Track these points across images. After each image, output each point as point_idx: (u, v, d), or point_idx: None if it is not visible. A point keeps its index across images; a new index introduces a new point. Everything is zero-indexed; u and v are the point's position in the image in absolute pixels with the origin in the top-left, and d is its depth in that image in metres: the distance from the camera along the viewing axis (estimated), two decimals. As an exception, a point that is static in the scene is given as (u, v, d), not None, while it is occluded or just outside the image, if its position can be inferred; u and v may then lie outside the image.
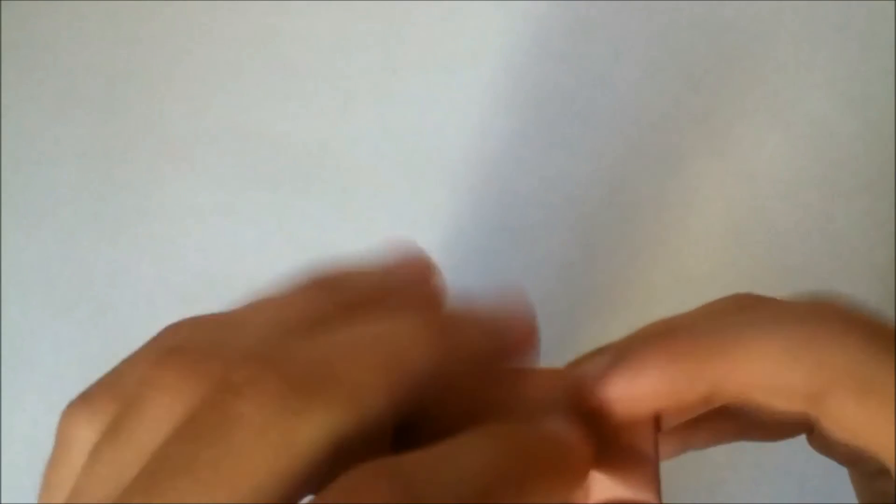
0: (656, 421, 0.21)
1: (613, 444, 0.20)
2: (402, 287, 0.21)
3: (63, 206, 0.41)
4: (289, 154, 0.41)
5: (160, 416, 0.16)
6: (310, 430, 0.15)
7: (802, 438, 0.23)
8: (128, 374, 0.18)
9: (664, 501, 0.21)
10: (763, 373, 0.18)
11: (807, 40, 0.40)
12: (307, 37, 0.42)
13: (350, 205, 0.40)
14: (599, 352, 0.21)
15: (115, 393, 0.18)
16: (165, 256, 0.40)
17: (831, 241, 0.37)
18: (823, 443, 0.22)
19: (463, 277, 0.38)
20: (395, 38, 0.41)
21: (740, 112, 0.39)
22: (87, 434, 0.18)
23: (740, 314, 0.20)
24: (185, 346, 0.18)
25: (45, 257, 0.40)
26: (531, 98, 0.40)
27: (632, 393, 0.19)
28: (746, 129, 0.39)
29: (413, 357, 0.17)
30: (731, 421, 0.23)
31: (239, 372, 0.16)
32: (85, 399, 0.18)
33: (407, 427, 0.18)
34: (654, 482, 0.20)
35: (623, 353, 0.20)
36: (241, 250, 0.39)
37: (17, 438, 0.38)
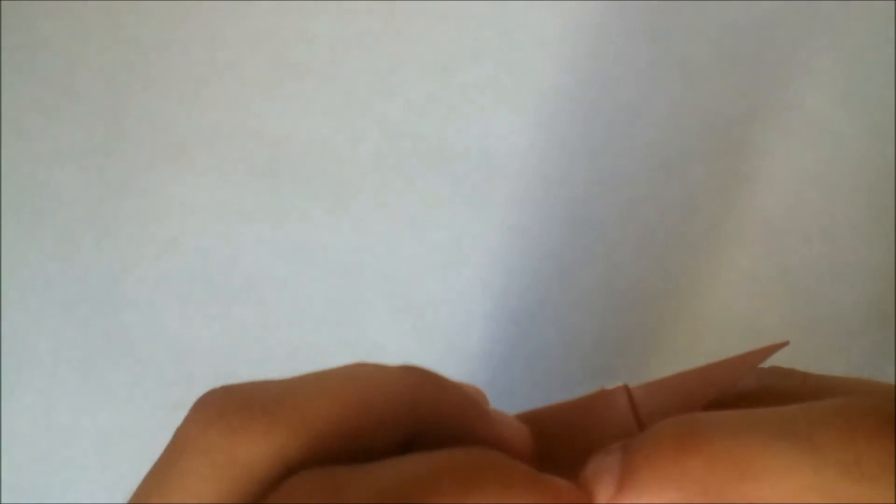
0: None
1: None
2: None
3: (63, 206, 0.41)
4: (289, 154, 0.41)
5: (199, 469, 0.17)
6: (251, 451, 0.15)
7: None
8: None
9: None
10: (789, 492, 0.16)
11: (807, 40, 0.40)
12: (307, 37, 0.42)
13: (350, 205, 0.40)
14: (607, 452, 0.19)
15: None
16: (165, 256, 0.40)
17: (831, 241, 0.37)
18: None
19: (463, 278, 0.38)
20: (395, 38, 0.41)
21: (740, 112, 0.39)
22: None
23: (770, 423, 0.17)
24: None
25: (45, 257, 0.40)
26: (531, 98, 0.40)
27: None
28: (746, 129, 0.39)
29: (377, 391, 0.17)
30: None
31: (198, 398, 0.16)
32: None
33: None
34: None
35: (634, 463, 0.18)
36: (241, 250, 0.39)
37: (17, 438, 0.38)
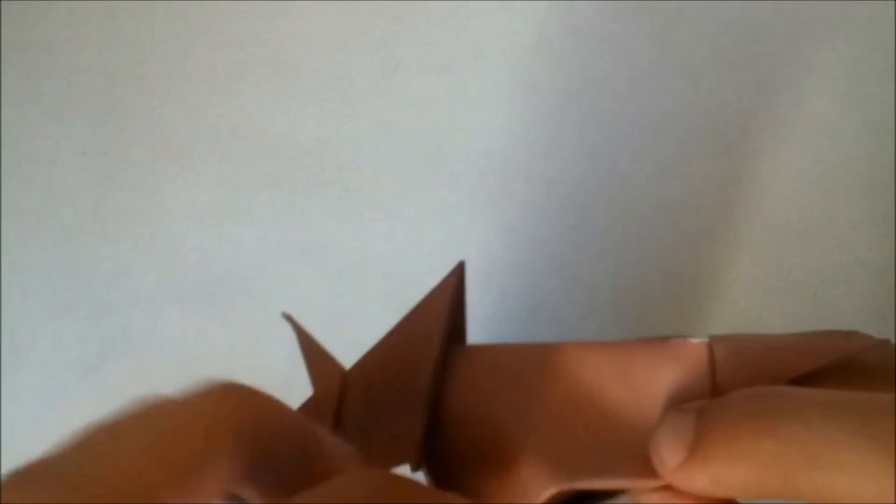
0: None
1: None
2: None
3: (63, 206, 0.41)
4: (289, 154, 0.40)
5: None
6: None
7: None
8: None
9: None
10: (862, 493, 0.16)
11: (807, 40, 0.40)
12: (307, 37, 0.42)
13: (350, 205, 0.40)
14: (681, 412, 0.19)
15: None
16: (165, 256, 0.40)
17: (831, 241, 0.37)
18: None
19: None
20: (395, 38, 0.41)
21: (740, 112, 0.39)
22: None
23: (853, 414, 0.16)
24: None
25: (45, 257, 0.40)
26: (531, 98, 0.40)
27: (710, 489, 0.17)
28: (746, 130, 0.39)
29: (186, 433, 0.16)
30: None
31: None
32: None
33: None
34: None
35: (707, 433, 0.17)
36: (241, 250, 0.39)
37: (17, 438, 0.38)
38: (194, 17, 0.43)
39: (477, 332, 0.38)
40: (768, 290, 0.38)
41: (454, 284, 0.21)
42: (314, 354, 0.22)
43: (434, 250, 0.39)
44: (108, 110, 0.42)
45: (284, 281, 0.39)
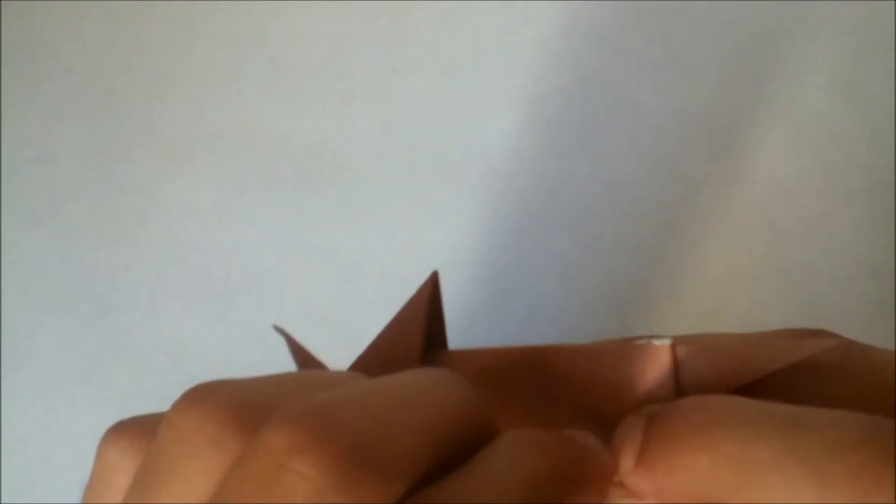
0: None
1: None
2: None
3: (63, 206, 0.41)
4: (289, 154, 0.41)
5: (196, 468, 0.15)
6: None
7: None
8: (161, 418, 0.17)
9: None
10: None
11: (807, 40, 0.40)
12: (307, 37, 0.42)
13: (350, 205, 0.40)
14: (637, 416, 0.19)
15: (148, 432, 0.17)
16: (165, 256, 0.40)
17: (831, 241, 0.37)
18: None
19: (463, 277, 0.38)
20: (395, 38, 0.41)
21: (740, 112, 0.39)
22: (127, 464, 0.17)
23: (787, 436, 0.17)
24: (220, 394, 0.16)
25: (45, 257, 0.40)
26: (531, 98, 0.40)
27: (657, 496, 0.18)
28: (746, 129, 0.39)
29: (453, 409, 0.16)
30: None
31: (283, 436, 0.14)
32: (120, 430, 0.17)
33: None
34: None
35: (651, 443, 0.18)
36: (241, 250, 0.39)
37: (17, 438, 0.38)
38: (194, 17, 0.43)
39: (477, 332, 0.38)
40: (768, 290, 0.38)
41: (428, 294, 0.21)
42: (306, 364, 0.23)
43: (434, 250, 0.39)
44: (108, 110, 0.42)
45: (284, 281, 0.39)
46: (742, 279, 0.37)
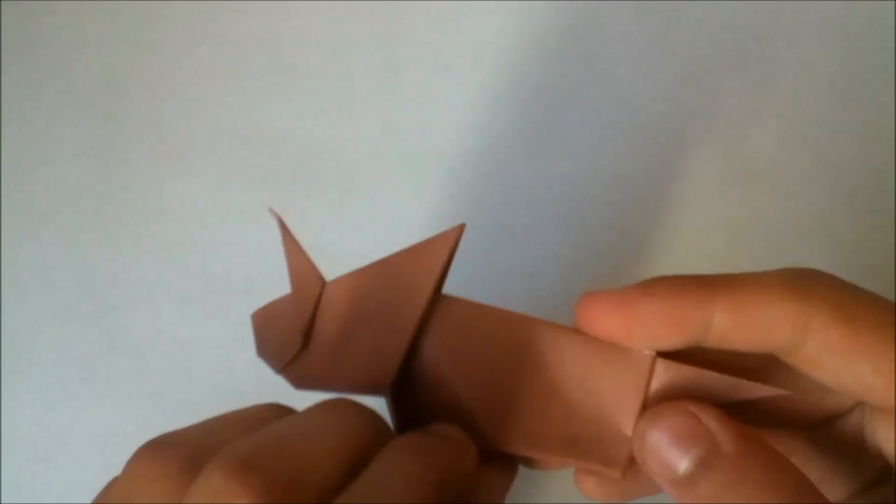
0: (653, 362, 0.22)
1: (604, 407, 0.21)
2: None
3: (63, 206, 0.41)
4: (289, 154, 0.41)
5: None
6: None
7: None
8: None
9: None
10: (757, 300, 0.20)
11: (807, 40, 0.40)
12: (307, 37, 0.42)
13: (350, 205, 0.40)
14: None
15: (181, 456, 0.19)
16: (165, 256, 0.40)
17: (831, 241, 0.37)
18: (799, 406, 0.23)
19: (463, 277, 0.38)
20: (395, 38, 0.41)
21: (740, 112, 0.39)
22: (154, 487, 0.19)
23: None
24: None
25: (45, 257, 0.40)
26: (531, 98, 0.40)
27: (638, 315, 0.21)
28: (746, 129, 0.39)
29: (354, 434, 0.19)
30: None
31: (220, 476, 0.17)
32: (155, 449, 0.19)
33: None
34: (625, 456, 0.21)
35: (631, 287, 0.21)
36: (241, 250, 0.39)
37: (17, 438, 0.38)
38: (195, 17, 0.43)
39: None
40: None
41: (453, 239, 0.22)
42: (296, 256, 0.23)
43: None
44: (108, 110, 0.42)
45: (284, 281, 0.39)
46: (742, 279, 0.37)
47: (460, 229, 0.22)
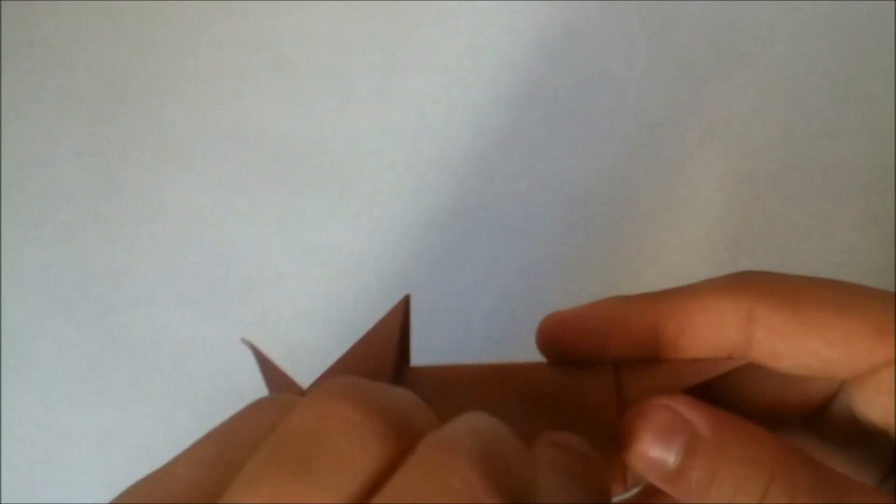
0: (616, 369, 0.22)
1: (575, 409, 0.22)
2: None
3: (63, 206, 0.41)
4: (289, 154, 0.41)
5: (362, 461, 0.16)
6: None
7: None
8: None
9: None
10: (697, 303, 0.21)
11: (807, 40, 0.40)
12: (307, 37, 0.42)
13: (350, 205, 0.40)
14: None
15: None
16: (165, 256, 0.40)
17: (831, 241, 0.37)
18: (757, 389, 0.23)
19: (463, 277, 0.38)
20: (395, 38, 0.41)
21: (740, 112, 0.39)
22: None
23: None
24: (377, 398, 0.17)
25: (45, 257, 0.40)
26: (531, 98, 0.40)
27: (588, 328, 0.21)
28: (746, 129, 0.39)
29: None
30: None
31: (473, 473, 0.15)
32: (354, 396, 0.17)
33: None
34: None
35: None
36: (241, 250, 0.39)
37: (17, 438, 0.38)
38: (195, 17, 0.43)
39: (477, 332, 0.38)
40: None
41: (401, 316, 0.23)
42: (273, 377, 0.24)
43: (434, 250, 0.39)
44: (108, 110, 0.42)
45: (284, 281, 0.39)
46: (742, 279, 0.37)
47: (404, 304, 0.23)
